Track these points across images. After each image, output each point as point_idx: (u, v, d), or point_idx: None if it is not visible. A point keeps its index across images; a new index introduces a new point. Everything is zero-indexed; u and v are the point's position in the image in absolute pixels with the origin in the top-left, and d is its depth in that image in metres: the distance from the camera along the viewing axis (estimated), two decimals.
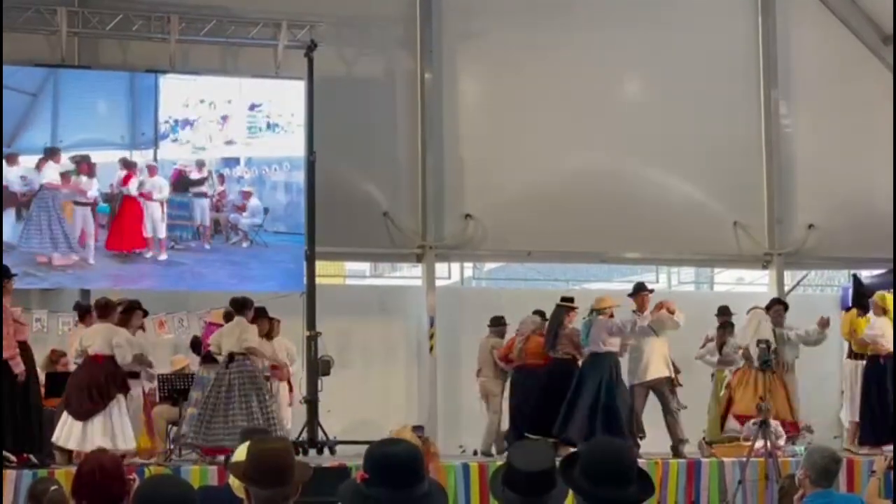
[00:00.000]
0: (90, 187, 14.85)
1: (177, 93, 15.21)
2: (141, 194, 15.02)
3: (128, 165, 15.00)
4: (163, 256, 15.01)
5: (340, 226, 15.83)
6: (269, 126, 15.41)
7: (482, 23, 16.84)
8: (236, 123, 15.33)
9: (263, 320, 12.99)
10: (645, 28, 17.13)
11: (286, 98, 15.46)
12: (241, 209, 15.31)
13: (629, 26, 17.07)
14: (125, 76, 15.30)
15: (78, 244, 14.69)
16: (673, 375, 13.34)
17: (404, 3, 16.75)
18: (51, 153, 14.70)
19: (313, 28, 15.40)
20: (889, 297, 13.68)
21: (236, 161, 15.37)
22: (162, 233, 15.03)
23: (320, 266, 15.86)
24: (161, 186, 15.09)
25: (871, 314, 13.60)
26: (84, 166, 14.75)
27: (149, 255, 14.97)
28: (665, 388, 13.21)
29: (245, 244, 15.31)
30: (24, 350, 11.69)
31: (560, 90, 16.80)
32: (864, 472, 12.00)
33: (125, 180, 14.98)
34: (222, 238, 15.30)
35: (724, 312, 14.62)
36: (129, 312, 12.35)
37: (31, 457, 11.66)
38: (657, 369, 13.18)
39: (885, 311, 13.51)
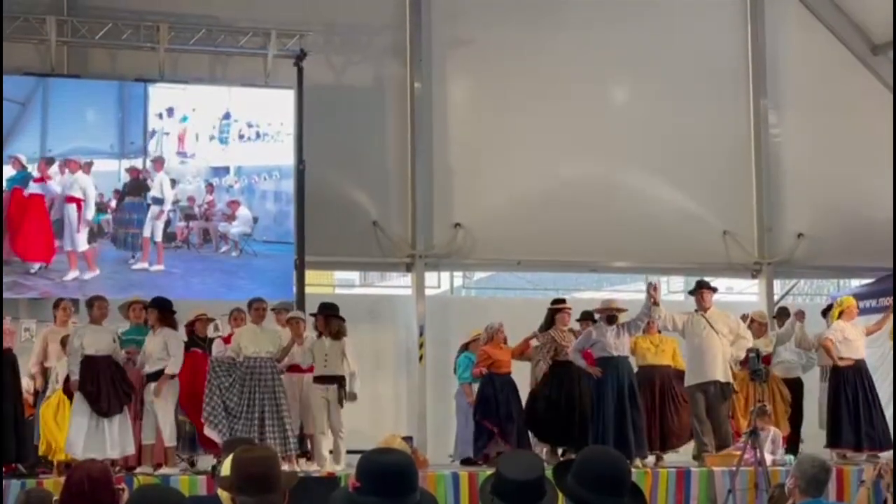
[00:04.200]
0: None
1: (166, 101, 15.17)
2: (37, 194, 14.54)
3: (48, 163, 14.53)
4: (88, 272, 14.47)
5: (330, 235, 15.81)
6: (258, 135, 15.36)
7: (471, 31, 16.85)
8: (225, 132, 15.29)
9: (332, 319, 12.83)
10: (634, 37, 17.16)
11: (276, 107, 15.42)
12: (230, 218, 15.27)
13: (619, 35, 17.12)
14: (114, 85, 15.25)
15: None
16: (732, 380, 12.98)
17: (393, 11, 16.75)
18: None
19: (303, 37, 15.39)
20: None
21: (226, 170, 15.33)
22: (83, 245, 14.54)
23: (309, 275, 15.83)
24: (83, 186, 14.61)
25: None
26: None
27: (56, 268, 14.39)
28: (718, 392, 12.79)
29: (234, 253, 15.26)
30: (10, 358, 11.65)
31: (550, 99, 16.81)
32: (853, 481, 11.99)
33: (40, 179, 14.55)
34: (211, 247, 15.25)
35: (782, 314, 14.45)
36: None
37: (20, 466, 11.62)
38: (714, 370, 12.80)
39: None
